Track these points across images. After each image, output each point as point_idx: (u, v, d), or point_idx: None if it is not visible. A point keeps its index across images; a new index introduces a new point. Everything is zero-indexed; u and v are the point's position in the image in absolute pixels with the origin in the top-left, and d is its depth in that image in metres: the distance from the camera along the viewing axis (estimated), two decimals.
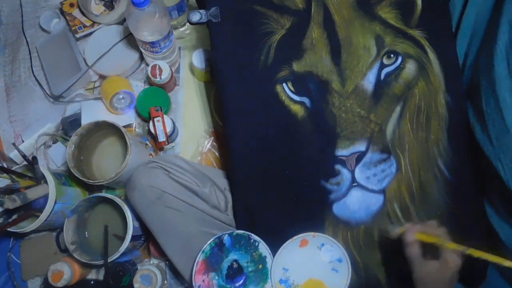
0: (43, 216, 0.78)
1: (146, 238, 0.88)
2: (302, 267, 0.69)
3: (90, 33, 1.02)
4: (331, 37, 0.75)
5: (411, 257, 0.61)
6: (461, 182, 0.74)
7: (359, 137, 0.73)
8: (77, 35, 1.02)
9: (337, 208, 0.73)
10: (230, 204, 0.79)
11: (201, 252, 0.69)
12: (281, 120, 0.74)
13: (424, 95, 0.74)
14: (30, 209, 0.81)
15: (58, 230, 0.91)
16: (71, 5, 1.03)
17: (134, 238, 0.80)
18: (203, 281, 0.68)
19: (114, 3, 1.04)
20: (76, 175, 0.79)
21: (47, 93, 1.00)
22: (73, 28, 1.02)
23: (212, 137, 0.96)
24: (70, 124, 0.96)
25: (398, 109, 0.74)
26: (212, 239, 0.69)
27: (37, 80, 1.02)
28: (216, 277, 0.68)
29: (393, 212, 0.73)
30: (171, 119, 0.91)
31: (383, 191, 0.73)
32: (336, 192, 0.72)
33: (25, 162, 0.84)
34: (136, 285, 0.81)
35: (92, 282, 0.89)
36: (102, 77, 1.01)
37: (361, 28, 0.75)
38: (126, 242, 0.77)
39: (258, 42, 0.74)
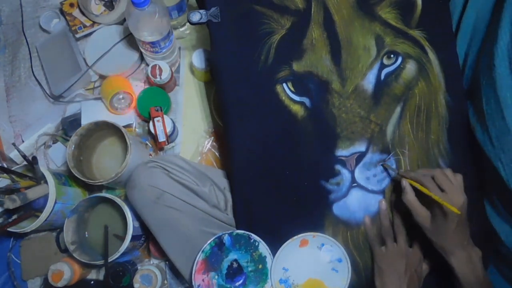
0: (43, 216, 0.78)
1: (146, 238, 0.88)
2: (302, 267, 0.69)
3: (90, 33, 1.02)
4: (331, 37, 0.75)
5: (408, 203, 0.63)
6: None
7: (359, 137, 0.73)
8: (77, 35, 1.02)
9: (337, 208, 0.72)
10: (229, 203, 0.79)
11: (201, 251, 0.69)
12: (281, 120, 0.74)
13: (424, 95, 0.74)
14: (30, 209, 0.81)
15: (58, 230, 0.91)
16: (71, 5, 1.03)
17: (134, 238, 0.80)
18: (203, 280, 0.68)
19: (114, 3, 1.04)
20: (76, 175, 0.79)
21: (47, 93, 1.00)
22: (73, 28, 1.02)
23: (212, 137, 0.96)
24: (70, 124, 0.96)
25: (398, 109, 0.74)
26: (212, 239, 0.69)
27: (37, 80, 1.02)
28: (216, 277, 0.68)
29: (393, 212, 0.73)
30: (171, 119, 0.91)
31: (383, 192, 0.73)
32: (336, 192, 0.72)
33: (25, 162, 0.84)
34: (136, 285, 0.81)
35: (92, 282, 0.89)
36: (102, 77, 1.01)
37: (361, 28, 0.75)
38: (126, 242, 0.77)
39: (258, 42, 0.74)
